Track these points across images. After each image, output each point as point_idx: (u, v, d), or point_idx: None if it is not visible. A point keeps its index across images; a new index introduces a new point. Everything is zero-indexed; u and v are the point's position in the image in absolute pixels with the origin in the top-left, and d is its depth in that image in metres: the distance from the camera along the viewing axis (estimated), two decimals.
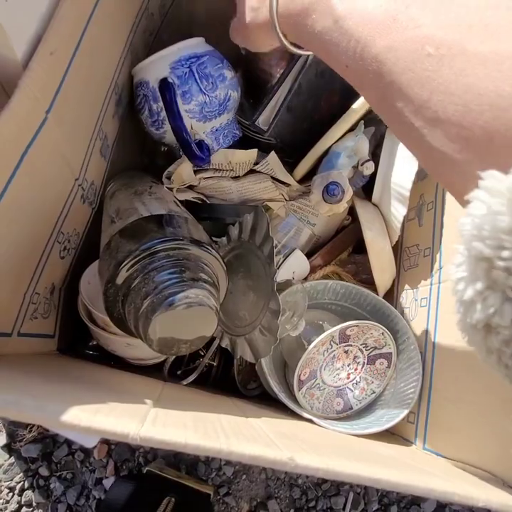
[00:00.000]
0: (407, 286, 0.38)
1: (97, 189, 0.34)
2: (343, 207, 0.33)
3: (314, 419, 0.30)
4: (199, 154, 0.34)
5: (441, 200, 0.35)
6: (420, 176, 0.37)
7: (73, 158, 0.28)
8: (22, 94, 0.19)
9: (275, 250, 0.32)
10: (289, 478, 0.48)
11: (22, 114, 0.20)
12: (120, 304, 0.26)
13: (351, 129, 0.37)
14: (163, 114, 0.34)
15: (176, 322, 0.24)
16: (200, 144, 0.34)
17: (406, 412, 0.32)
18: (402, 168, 0.35)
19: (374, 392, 0.35)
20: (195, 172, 0.37)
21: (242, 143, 0.37)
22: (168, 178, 0.37)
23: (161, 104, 0.34)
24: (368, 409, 0.35)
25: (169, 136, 0.35)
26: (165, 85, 0.33)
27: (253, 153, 0.36)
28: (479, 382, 0.27)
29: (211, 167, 0.37)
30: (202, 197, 0.39)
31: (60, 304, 0.32)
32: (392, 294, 0.40)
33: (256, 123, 0.35)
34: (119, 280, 0.25)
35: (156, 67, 0.34)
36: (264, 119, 0.35)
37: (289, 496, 0.47)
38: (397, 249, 0.41)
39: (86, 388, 0.23)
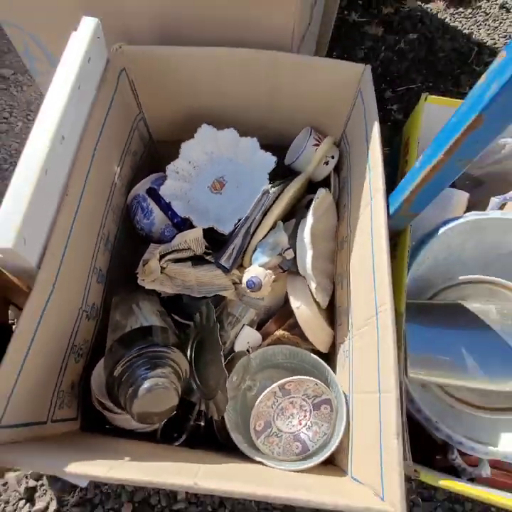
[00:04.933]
0: (339, 340, 0.49)
1: (98, 306, 0.51)
2: (267, 291, 0.47)
3: (263, 460, 0.41)
4: (176, 221, 0.55)
5: (348, 272, 0.47)
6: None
7: (76, 297, 0.44)
8: (38, 285, 0.36)
9: (230, 327, 0.45)
10: None
11: (38, 296, 0.36)
12: (116, 390, 0.40)
13: (273, 227, 0.51)
14: (151, 206, 0.55)
15: (150, 401, 0.37)
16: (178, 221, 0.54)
17: (328, 452, 0.41)
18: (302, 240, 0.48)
19: (325, 434, 0.45)
20: (161, 257, 0.52)
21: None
22: (144, 264, 0.53)
23: (149, 201, 0.55)
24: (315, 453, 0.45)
25: (158, 221, 0.56)
26: (152, 190, 0.53)
27: (199, 230, 0.52)
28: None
29: (173, 249, 0.53)
30: (168, 290, 0.53)
31: (79, 395, 0.47)
32: (335, 348, 0.51)
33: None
34: (116, 373, 0.39)
35: (144, 186, 0.54)
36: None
37: None
38: (333, 310, 0.52)
39: (101, 453, 0.36)
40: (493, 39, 1.07)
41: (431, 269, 0.47)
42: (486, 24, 1.11)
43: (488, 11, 1.14)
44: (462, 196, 0.49)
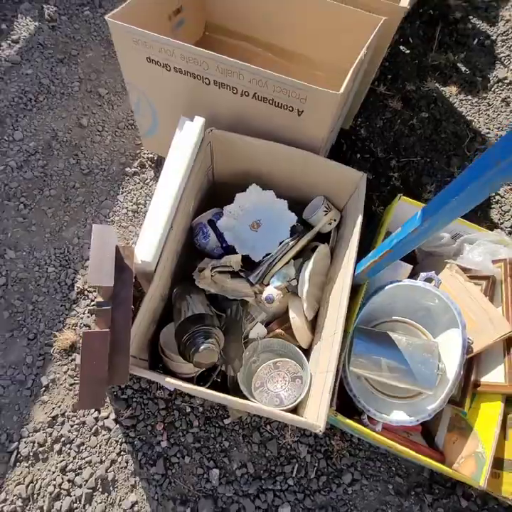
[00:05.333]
0: (314, 343, 0.77)
1: (167, 294, 0.79)
2: (276, 304, 0.75)
3: (256, 403, 0.69)
4: (225, 246, 0.81)
5: (327, 301, 0.76)
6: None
7: (164, 289, 0.72)
8: (153, 282, 0.64)
9: (248, 322, 0.74)
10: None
11: (152, 286, 0.65)
12: (183, 348, 0.68)
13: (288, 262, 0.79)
14: (209, 232, 0.82)
15: (204, 356, 0.65)
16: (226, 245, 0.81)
17: (294, 403, 0.70)
18: (303, 276, 0.76)
19: (295, 397, 0.74)
20: (212, 268, 0.80)
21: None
22: (199, 271, 0.81)
23: (208, 228, 0.82)
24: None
25: (212, 242, 0.82)
26: (211, 221, 0.80)
27: (239, 256, 0.79)
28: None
29: (220, 264, 0.81)
30: (212, 290, 0.82)
31: (150, 346, 0.75)
32: (310, 346, 0.79)
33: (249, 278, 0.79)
34: (184, 339, 0.68)
35: (207, 217, 0.81)
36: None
37: None
38: (316, 322, 0.81)
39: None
40: (488, 129, 1.33)
41: (377, 309, 0.75)
42: (486, 114, 1.36)
43: (491, 102, 1.39)
44: (406, 267, 0.77)
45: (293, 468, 0.82)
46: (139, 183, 1.12)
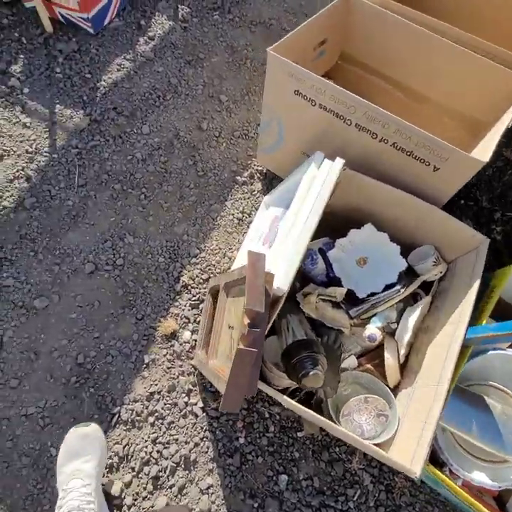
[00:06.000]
0: (404, 386, 0.81)
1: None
2: (379, 341, 0.80)
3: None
4: (331, 275, 0.86)
5: (424, 350, 0.79)
6: None
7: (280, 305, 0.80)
8: (278, 306, 0.71)
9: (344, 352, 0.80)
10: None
11: (278, 306, 0.72)
12: (291, 369, 0.75)
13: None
14: (318, 259, 0.88)
15: (310, 380, 0.72)
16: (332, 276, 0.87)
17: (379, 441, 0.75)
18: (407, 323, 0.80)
19: (376, 432, 0.79)
20: (318, 296, 0.87)
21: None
22: (304, 295, 0.88)
23: (318, 256, 0.88)
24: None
25: (318, 269, 0.89)
26: (321, 250, 0.87)
27: (344, 289, 0.85)
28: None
29: (327, 294, 0.87)
30: (313, 315, 0.89)
31: None
32: (397, 389, 0.84)
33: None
34: (294, 362, 0.74)
35: (317, 245, 0.88)
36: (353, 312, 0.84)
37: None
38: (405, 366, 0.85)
39: None
40: None
41: (474, 369, 0.78)
42: None
43: None
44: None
45: (355, 493, 0.88)
46: (246, 193, 1.20)
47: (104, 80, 1.32)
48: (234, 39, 1.48)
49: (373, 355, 0.87)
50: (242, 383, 0.57)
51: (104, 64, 1.35)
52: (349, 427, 0.79)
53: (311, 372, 0.71)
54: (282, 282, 0.67)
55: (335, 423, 0.77)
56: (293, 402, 0.68)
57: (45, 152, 1.18)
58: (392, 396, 0.79)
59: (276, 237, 0.86)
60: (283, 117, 0.96)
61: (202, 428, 0.92)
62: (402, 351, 0.80)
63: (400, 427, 0.74)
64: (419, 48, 0.96)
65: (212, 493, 0.88)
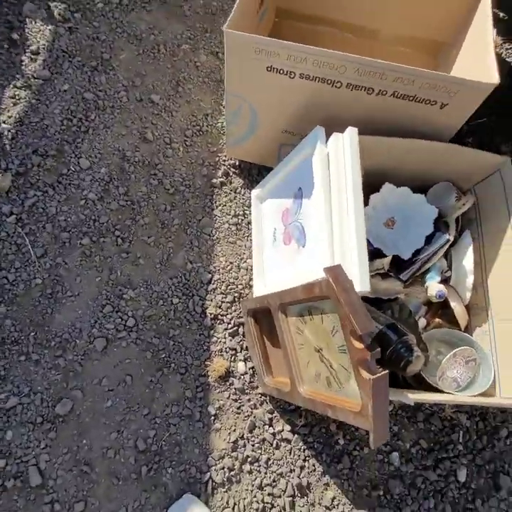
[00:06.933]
0: (476, 324, 0.82)
1: None
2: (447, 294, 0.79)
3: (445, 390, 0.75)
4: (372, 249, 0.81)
5: (484, 284, 0.80)
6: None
7: None
8: None
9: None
10: None
11: None
12: (389, 362, 0.70)
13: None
14: None
15: (415, 365, 0.69)
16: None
17: (489, 383, 0.76)
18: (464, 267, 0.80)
19: (470, 378, 0.80)
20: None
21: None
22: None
23: None
24: (465, 389, 0.80)
25: None
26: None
27: (390, 257, 0.81)
28: None
29: (375, 269, 0.82)
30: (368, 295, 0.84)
31: None
32: (469, 329, 0.85)
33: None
34: (389, 355, 0.70)
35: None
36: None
37: None
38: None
39: None
40: None
41: None
42: None
43: None
44: None
45: (459, 436, 0.91)
46: (230, 193, 1.08)
47: (4, 123, 1.06)
48: (133, 26, 1.26)
49: (434, 307, 0.86)
50: (385, 409, 0.51)
51: None
52: (446, 385, 0.79)
53: (412, 358, 0.67)
54: (364, 285, 0.60)
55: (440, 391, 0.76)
56: (420, 396, 0.64)
57: None
58: (474, 340, 0.80)
59: (305, 233, 0.78)
60: (255, 101, 0.85)
61: (300, 449, 0.87)
62: (468, 294, 0.80)
63: (499, 363, 0.76)
64: None
65: (338, 504, 0.85)
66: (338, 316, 0.56)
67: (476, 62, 0.76)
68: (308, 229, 0.77)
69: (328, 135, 0.74)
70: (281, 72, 0.75)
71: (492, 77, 0.68)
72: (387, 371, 0.51)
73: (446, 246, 0.80)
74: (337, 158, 0.71)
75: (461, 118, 0.76)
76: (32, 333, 0.88)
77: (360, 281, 0.60)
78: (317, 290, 0.59)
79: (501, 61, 1.36)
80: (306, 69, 0.73)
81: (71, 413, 0.84)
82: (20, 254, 0.94)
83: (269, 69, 0.75)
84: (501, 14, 1.46)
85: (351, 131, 0.70)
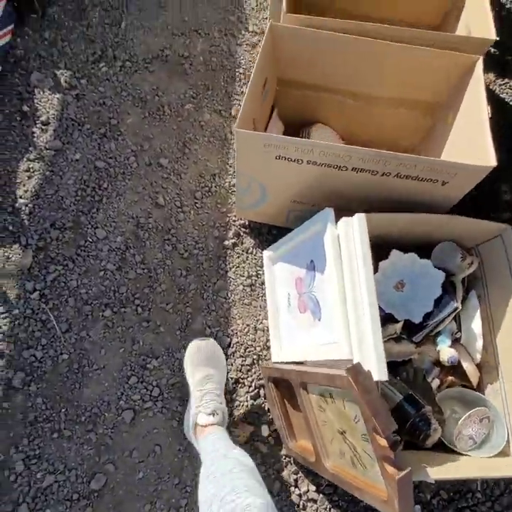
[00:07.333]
0: (488, 381, 0.86)
1: None
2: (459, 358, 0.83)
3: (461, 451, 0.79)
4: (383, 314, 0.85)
5: (493, 344, 0.84)
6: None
7: None
8: None
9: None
10: None
11: None
12: (407, 434, 0.74)
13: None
14: None
15: (433, 438, 0.72)
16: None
17: (503, 442, 0.80)
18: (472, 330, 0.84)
19: (484, 434, 0.84)
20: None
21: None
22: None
23: None
24: (480, 446, 0.83)
25: None
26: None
27: (401, 322, 0.85)
28: None
29: (388, 335, 0.86)
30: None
31: None
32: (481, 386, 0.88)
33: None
34: (408, 427, 0.73)
35: None
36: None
37: None
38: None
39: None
40: None
41: None
42: None
43: None
44: None
45: (477, 484, 0.95)
46: (242, 254, 1.12)
47: (20, 197, 1.10)
48: (137, 88, 1.31)
49: (446, 366, 0.90)
50: (411, 502, 0.55)
51: (8, 177, 1.12)
52: (462, 444, 0.83)
53: (430, 431, 0.71)
54: (381, 373, 0.64)
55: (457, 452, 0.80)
56: (441, 474, 0.68)
57: (1, 313, 0.98)
58: (486, 399, 0.84)
59: (320, 306, 0.83)
60: (264, 180, 0.89)
61: (325, 509, 0.91)
62: (478, 355, 0.84)
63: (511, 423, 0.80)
64: (356, 55, 0.92)
65: None
66: (359, 409, 0.60)
67: (473, 140, 0.80)
68: (323, 303, 0.81)
69: (335, 210, 0.78)
70: (290, 159, 0.79)
71: (489, 160, 0.72)
72: (410, 469, 0.55)
73: (454, 313, 0.84)
74: (347, 240, 0.75)
75: (461, 192, 0.81)
76: (63, 410, 0.92)
77: (378, 370, 0.64)
78: (338, 382, 0.63)
79: (495, 99, 1.41)
80: (313, 157, 0.77)
81: (105, 487, 0.88)
82: (45, 330, 0.98)
83: (277, 157, 0.79)
84: (492, 50, 1.50)
85: (360, 217, 0.74)
